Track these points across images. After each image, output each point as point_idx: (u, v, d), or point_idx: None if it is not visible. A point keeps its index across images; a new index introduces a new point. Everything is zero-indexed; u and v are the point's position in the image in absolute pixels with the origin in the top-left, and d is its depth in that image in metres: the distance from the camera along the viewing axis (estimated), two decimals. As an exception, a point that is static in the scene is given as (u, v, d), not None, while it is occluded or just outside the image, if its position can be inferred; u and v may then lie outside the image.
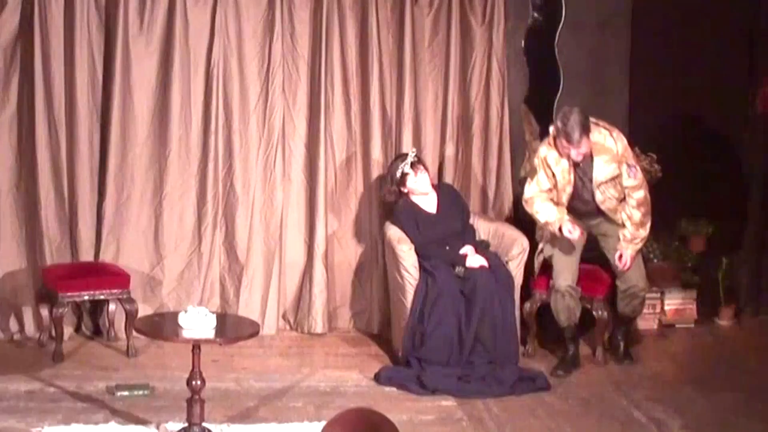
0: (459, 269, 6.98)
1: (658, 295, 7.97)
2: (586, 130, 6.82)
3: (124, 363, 6.98)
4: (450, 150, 7.85)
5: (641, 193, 7.07)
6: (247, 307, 7.55)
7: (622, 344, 7.30)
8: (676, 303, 8.04)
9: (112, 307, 7.37)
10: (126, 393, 6.38)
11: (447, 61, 7.81)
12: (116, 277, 7.15)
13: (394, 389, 6.65)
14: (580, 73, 8.27)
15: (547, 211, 7.02)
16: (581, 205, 7.14)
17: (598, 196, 7.07)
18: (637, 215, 7.06)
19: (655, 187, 8.12)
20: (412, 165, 7.25)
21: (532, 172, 7.17)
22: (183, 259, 7.58)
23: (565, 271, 7.07)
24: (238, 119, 7.60)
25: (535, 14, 8.24)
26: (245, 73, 7.58)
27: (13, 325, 7.43)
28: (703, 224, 8.11)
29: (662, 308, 8.01)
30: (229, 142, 7.62)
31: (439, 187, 7.48)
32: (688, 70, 8.15)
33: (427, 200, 7.27)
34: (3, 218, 7.40)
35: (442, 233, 7.13)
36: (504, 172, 7.94)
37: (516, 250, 7.16)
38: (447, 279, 6.92)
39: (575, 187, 7.06)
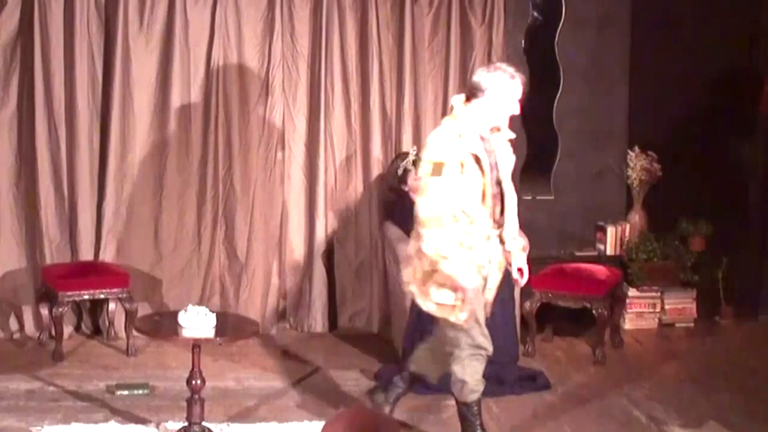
0: (459, 269, 6.97)
1: (658, 294, 7.99)
2: None
3: (124, 362, 6.97)
4: (450, 150, 7.85)
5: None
6: (247, 307, 7.56)
7: None
8: (676, 302, 8.05)
9: (111, 306, 7.37)
10: (126, 392, 6.38)
11: (447, 60, 7.81)
12: (116, 277, 7.15)
13: (394, 389, 6.65)
14: (580, 73, 8.28)
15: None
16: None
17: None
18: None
19: (655, 187, 8.15)
20: (414, 163, 7.24)
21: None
22: (183, 259, 7.59)
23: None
24: (238, 119, 7.60)
25: (535, 14, 8.26)
26: (245, 72, 7.58)
27: (13, 324, 7.43)
28: (703, 224, 8.10)
29: (662, 307, 8.02)
30: (229, 141, 7.61)
31: (439, 186, 7.46)
32: (688, 70, 8.15)
33: (427, 200, 7.25)
34: (3, 217, 7.40)
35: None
36: (504, 171, 7.93)
37: (516, 249, 7.15)
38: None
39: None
